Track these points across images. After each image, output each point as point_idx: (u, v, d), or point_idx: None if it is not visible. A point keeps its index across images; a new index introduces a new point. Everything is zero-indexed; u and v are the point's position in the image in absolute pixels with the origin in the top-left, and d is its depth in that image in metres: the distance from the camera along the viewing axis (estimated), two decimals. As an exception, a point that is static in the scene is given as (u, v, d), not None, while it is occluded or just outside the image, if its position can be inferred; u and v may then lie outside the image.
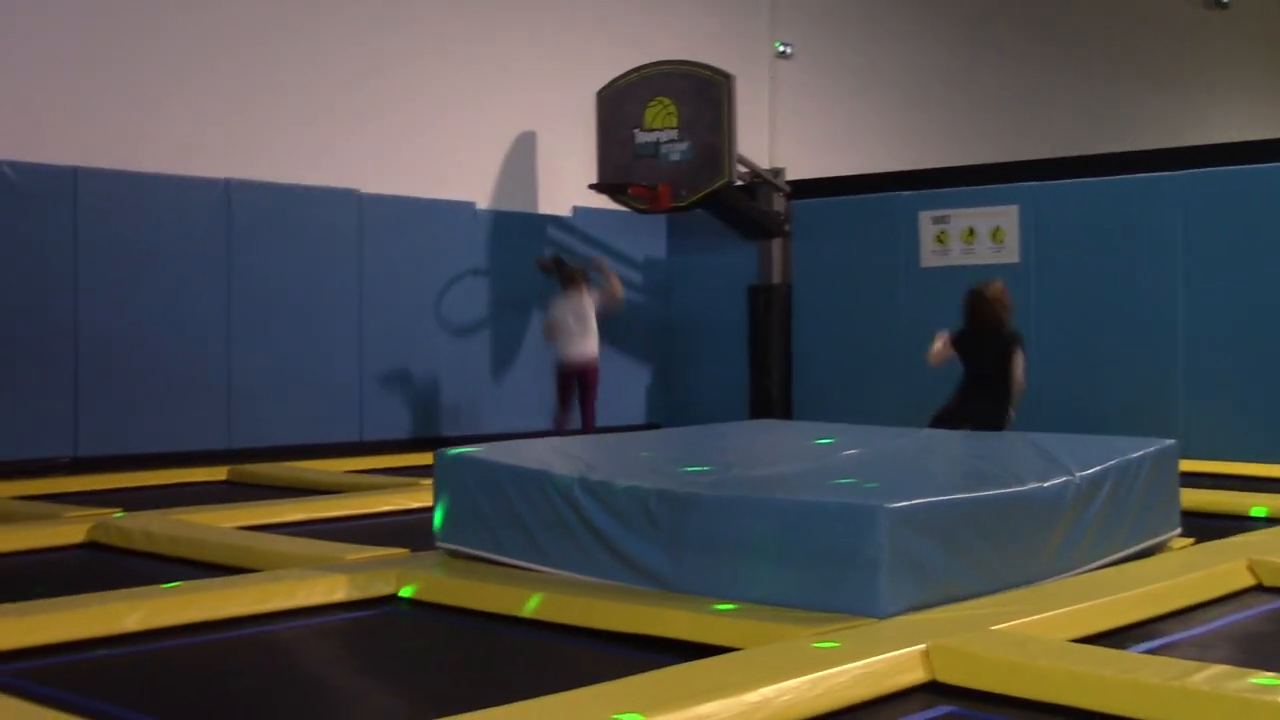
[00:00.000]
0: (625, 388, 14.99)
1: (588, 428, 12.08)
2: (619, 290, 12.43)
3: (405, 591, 6.40)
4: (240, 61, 12.64)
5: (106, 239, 11.50)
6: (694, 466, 6.81)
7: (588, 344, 12.14)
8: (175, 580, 6.43)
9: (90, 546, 7.92)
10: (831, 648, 4.86)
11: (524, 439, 9.73)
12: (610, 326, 14.52)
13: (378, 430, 13.04)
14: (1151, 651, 5.30)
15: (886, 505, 5.50)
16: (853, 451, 7.41)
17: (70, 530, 8.01)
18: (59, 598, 5.86)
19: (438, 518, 6.93)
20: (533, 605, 5.95)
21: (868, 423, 11.75)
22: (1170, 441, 7.36)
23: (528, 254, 14.26)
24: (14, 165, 11.08)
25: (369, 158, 13.39)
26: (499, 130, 14.55)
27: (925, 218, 13.54)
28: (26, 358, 11.09)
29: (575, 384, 12.16)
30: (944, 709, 4.67)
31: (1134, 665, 4.66)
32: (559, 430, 12.00)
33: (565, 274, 12.42)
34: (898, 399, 13.48)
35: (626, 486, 6.14)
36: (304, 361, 12.63)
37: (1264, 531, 7.65)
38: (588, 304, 12.20)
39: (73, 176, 11.35)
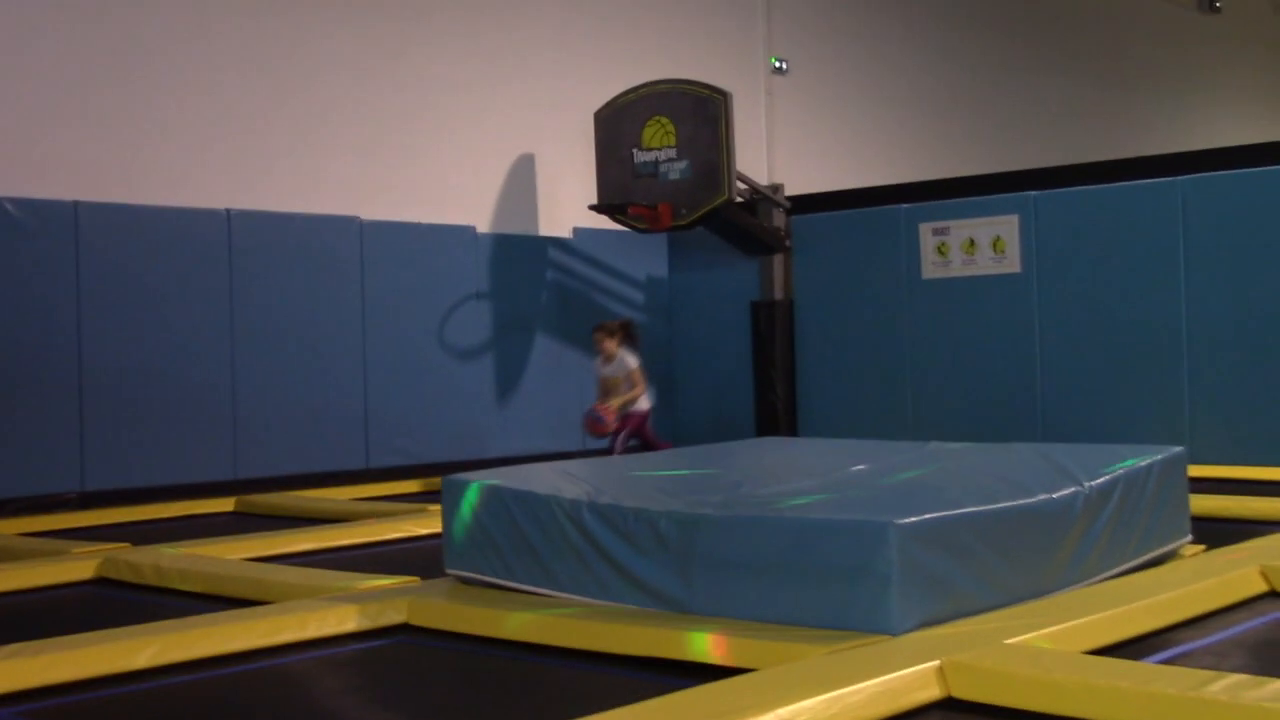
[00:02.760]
0: None
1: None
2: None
3: (415, 620, 6.36)
4: (236, 90, 12.64)
5: (109, 272, 11.47)
6: (702, 486, 6.75)
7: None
8: (185, 614, 6.38)
9: (99, 582, 7.87)
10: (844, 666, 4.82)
11: (530, 462, 9.63)
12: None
13: (384, 457, 13.00)
14: (1167, 661, 5.26)
15: (896, 521, 5.46)
16: (860, 467, 7.36)
17: (79, 566, 7.96)
18: (68, 635, 5.82)
19: (446, 544, 6.89)
20: (544, 630, 5.90)
21: (874, 437, 11.87)
22: (1178, 448, 7.31)
23: (529, 276, 14.35)
24: (14, 201, 11.06)
25: (368, 184, 13.41)
26: (497, 153, 14.55)
27: (925, 229, 13.48)
28: (31, 393, 11.05)
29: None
30: (960, 725, 4.64)
31: (1150, 676, 4.62)
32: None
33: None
34: (903, 412, 13.57)
35: (635, 508, 6.11)
36: (308, 390, 12.61)
37: (1275, 536, 7.58)
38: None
39: (73, 211, 11.33)
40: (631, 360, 11.92)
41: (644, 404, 11.97)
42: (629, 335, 12.10)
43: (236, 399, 12.16)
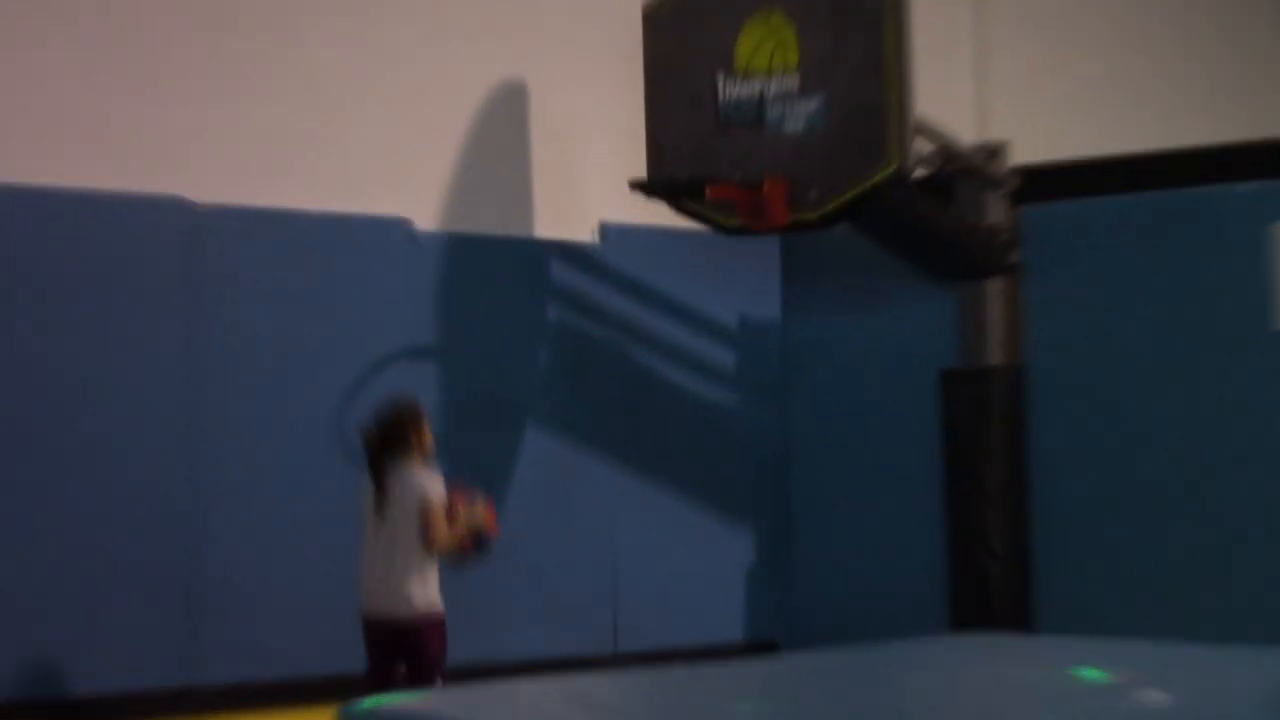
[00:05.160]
0: (710, 573, 15.15)
1: None
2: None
3: None
4: None
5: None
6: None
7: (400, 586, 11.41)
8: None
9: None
10: None
11: (520, 675, 9.84)
12: (688, 463, 15.31)
13: (225, 670, 13.04)
14: None
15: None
16: (1155, 700, 7.17)
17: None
18: None
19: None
20: None
21: (1181, 631, 12.24)
22: None
23: (517, 316, 14.62)
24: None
25: (210, 140, 13.71)
26: (451, 80, 14.75)
27: (1281, 231, 13.32)
28: None
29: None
30: None
31: None
32: None
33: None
34: (1234, 580, 13.51)
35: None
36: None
37: None
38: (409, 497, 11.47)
39: None
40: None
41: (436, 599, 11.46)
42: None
43: None
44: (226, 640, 12.96)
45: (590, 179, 15.00)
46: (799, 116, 13.24)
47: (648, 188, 13.66)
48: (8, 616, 12.34)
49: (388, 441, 11.39)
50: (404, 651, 11.19)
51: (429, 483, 11.22)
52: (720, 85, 13.54)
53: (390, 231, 13.98)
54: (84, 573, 12.60)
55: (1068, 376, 14.30)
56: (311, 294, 13.70)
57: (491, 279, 14.41)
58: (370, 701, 7.08)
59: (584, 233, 14.95)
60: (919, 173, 13.67)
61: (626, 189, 13.86)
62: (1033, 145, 15.22)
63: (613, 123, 14.53)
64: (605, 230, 14.94)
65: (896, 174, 13.02)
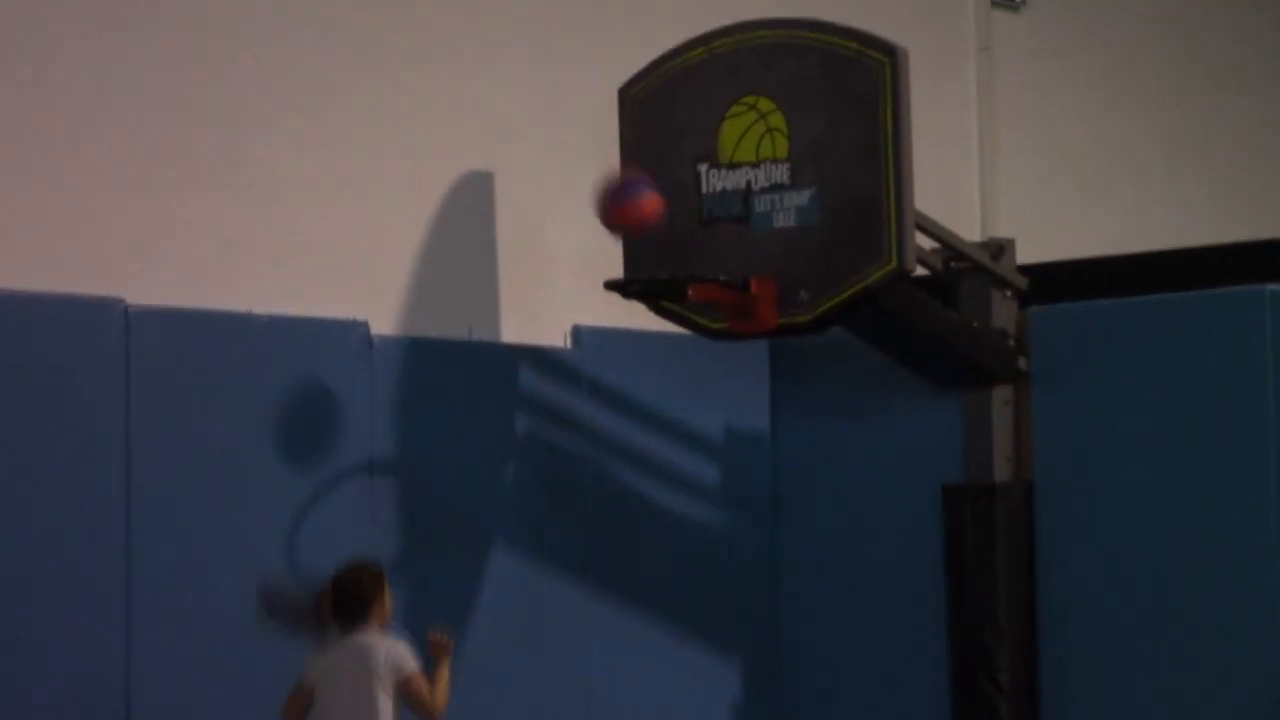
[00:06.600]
0: (693, 708, 14.89)
1: None
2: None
3: None
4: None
5: None
6: None
7: None
8: None
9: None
10: None
11: None
12: (668, 588, 15.12)
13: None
14: None
15: None
16: None
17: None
18: None
19: None
20: None
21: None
22: None
23: (479, 428, 14.24)
24: None
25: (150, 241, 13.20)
26: (418, 173, 14.31)
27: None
28: None
29: None
30: None
31: None
32: None
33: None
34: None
35: None
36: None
37: None
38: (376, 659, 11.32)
39: None
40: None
41: None
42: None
43: None
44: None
45: (562, 278, 14.68)
46: (789, 210, 13.06)
47: (624, 287, 13.38)
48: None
49: (345, 606, 11.19)
50: None
51: (399, 652, 10.99)
52: (703, 176, 13.32)
53: (345, 335, 13.43)
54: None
55: (1081, 493, 13.99)
56: (259, 404, 13.14)
57: (455, 387, 13.96)
58: None
59: (555, 337, 14.59)
60: (919, 272, 13.40)
61: (601, 289, 13.58)
62: (1042, 243, 15.31)
63: (586, 217, 13.56)
64: (578, 334, 14.59)
65: (895, 273, 12.79)
